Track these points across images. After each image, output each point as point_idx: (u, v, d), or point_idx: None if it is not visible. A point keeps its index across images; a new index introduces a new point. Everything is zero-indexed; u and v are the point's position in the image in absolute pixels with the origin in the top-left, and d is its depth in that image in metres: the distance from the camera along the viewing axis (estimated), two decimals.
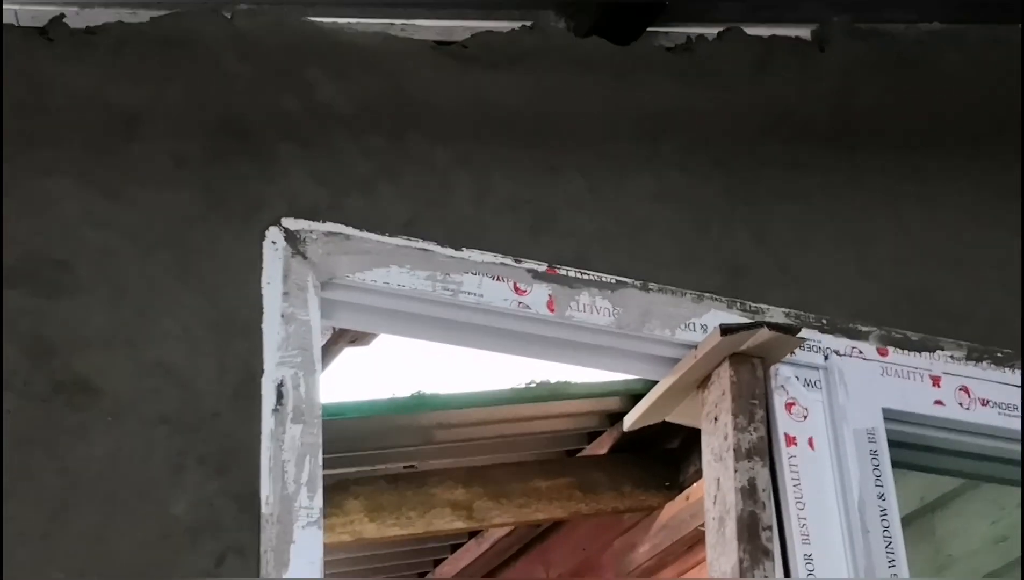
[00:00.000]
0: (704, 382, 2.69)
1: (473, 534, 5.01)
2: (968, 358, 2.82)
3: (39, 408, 2.20)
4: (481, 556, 5.04)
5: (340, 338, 3.52)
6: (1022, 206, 2.99)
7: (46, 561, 2.13)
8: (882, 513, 2.64)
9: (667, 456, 4.46)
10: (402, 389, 4.07)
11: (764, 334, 2.63)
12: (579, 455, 4.53)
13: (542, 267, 2.59)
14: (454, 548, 5.12)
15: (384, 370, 4.06)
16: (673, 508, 4.39)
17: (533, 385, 4.17)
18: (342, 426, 4.07)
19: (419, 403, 4.09)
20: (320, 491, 2.32)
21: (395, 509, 4.26)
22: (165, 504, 2.22)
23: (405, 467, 4.38)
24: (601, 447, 4.50)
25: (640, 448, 4.47)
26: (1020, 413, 2.78)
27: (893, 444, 2.72)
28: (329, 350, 3.56)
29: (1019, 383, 2.82)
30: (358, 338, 3.70)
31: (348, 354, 3.68)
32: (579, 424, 4.45)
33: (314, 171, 2.50)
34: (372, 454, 4.27)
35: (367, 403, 4.10)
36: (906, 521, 3.55)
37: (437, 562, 5.21)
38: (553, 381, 4.18)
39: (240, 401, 2.32)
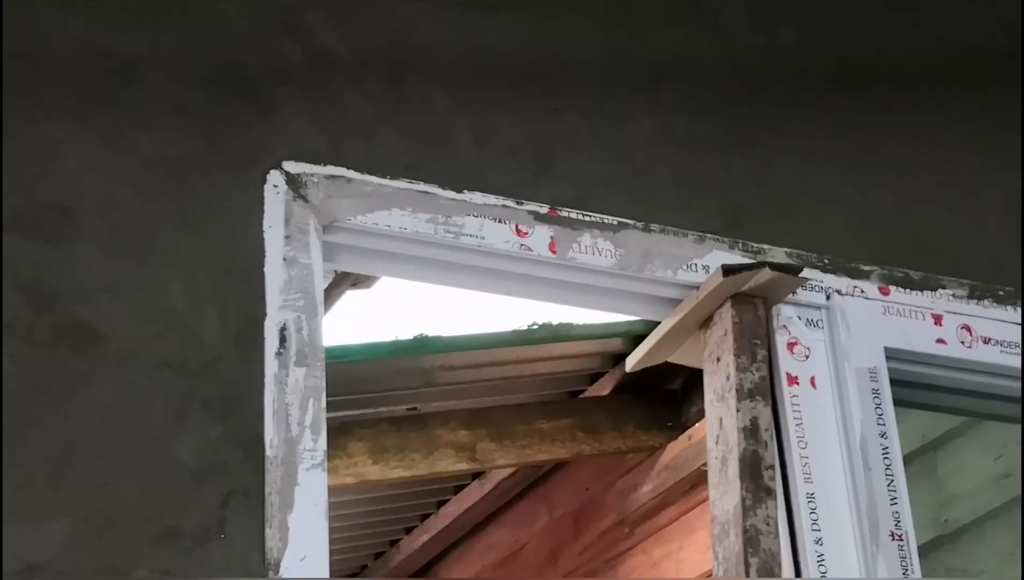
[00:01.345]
0: (706, 323, 2.70)
1: (476, 475, 5.04)
2: (970, 297, 2.82)
3: (42, 354, 2.21)
4: (484, 497, 5.07)
5: (342, 281, 3.53)
6: (1022, 145, 2.98)
7: (52, 506, 2.14)
8: (884, 451, 2.65)
9: (669, 396, 4.47)
10: (405, 331, 4.08)
11: (766, 274, 2.63)
12: (581, 396, 4.54)
13: (544, 209, 2.59)
14: (457, 490, 5.15)
15: (386, 313, 4.07)
16: (675, 448, 4.41)
17: (535, 327, 4.18)
18: (345, 369, 4.08)
19: (422, 345, 4.10)
20: (324, 434, 2.33)
21: (398, 451, 4.27)
22: (169, 449, 2.23)
23: (408, 410, 4.39)
24: (603, 388, 4.51)
25: (642, 389, 4.49)
26: (1021, 351, 2.79)
27: (895, 383, 2.72)
28: (331, 293, 3.57)
29: (1020, 321, 2.83)
30: (360, 281, 3.70)
31: (350, 297, 3.68)
32: (581, 365, 4.46)
33: (314, 116, 2.49)
34: (375, 397, 4.28)
35: (370, 346, 4.11)
36: (908, 459, 3.56)
37: (441, 503, 5.24)
38: (555, 322, 4.19)
39: (243, 345, 2.32)
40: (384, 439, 4.28)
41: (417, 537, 5.35)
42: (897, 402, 2.72)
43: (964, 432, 3.65)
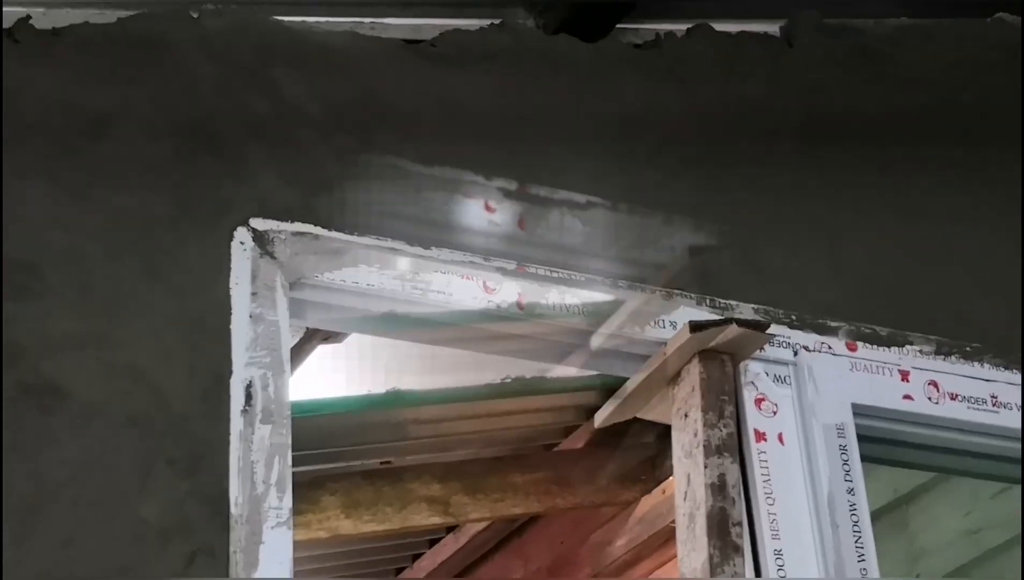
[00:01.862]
0: (674, 379, 2.70)
1: (451, 529, 5.02)
2: (937, 352, 2.84)
3: (7, 411, 2.20)
4: (459, 551, 5.04)
5: (313, 336, 3.52)
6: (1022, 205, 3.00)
7: (16, 564, 2.13)
8: (852, 507, 2.65)
9: (644, 450, 4.46)
10: (377, 385, 4.06)
11: (733, 330, 2.64)
12: (556, 450, 4.54)
13: (511, 265, 2.60)
14: (432, 543, 5.12)
15: (358, 367, 4.06)
16: (649, 502, 4.39)
17: (509, 380, 4.17)
18: (317, 423, 4.06)
19: (394, 399, 4.08)
20: (289, 491, 2.33)
21: (371, 505, 4.25)
22: (135, 506, 2.22)
23: (381, 463, 4.37)
24: (578, 441, 4.50)
25: (617, 442, 4.48)
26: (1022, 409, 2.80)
27: (863, 439, 2.73)
28: (302, 348, 3.55)
29: (987, 378, 2.84)
30: (331, 336, 3.69)
31: (321, 351, 3.67)
32: (555, 419, 4.44)
33: (283, 172, 2.50)
34: (347, 450, 4.26)
35: (342, 400, 4.09)
36: (879, 514, 3.58)
37: (415, 557, 5.21)
38: (528, 376, 4.18)
39: (209, 402, 2.32)
40: (357, 493, 4.26)
41: None
42: (865, 458, 2.73)
43: (934, 487, 3.66)
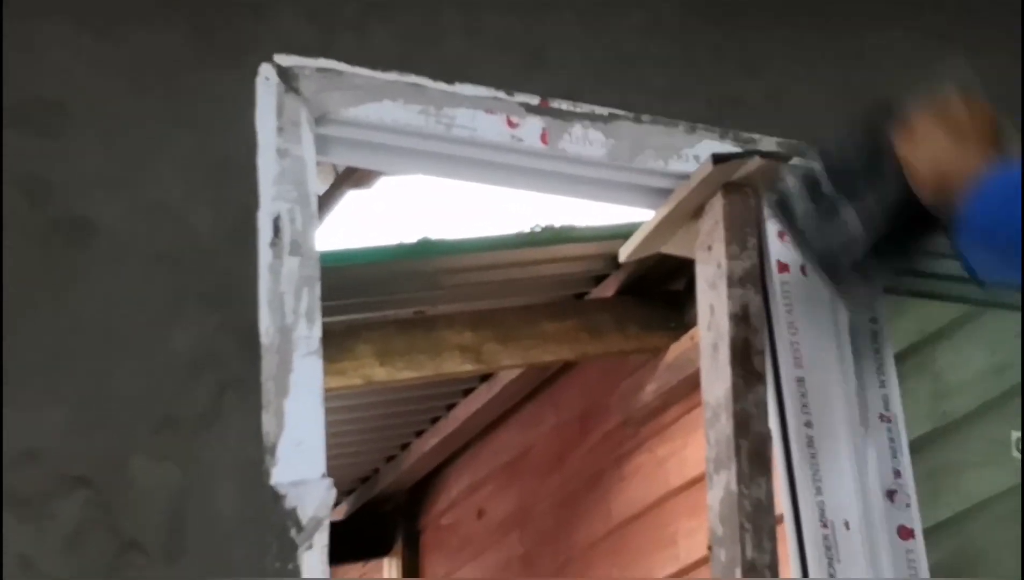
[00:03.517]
0: (698, 213, 2.72)
1: (484, 379, 5.09)
2: None
3: (39, 247, 2.25)
4: (492, 400, 5.12)
5: (343, 182, 3.56)
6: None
7: (50, 396, 2.19)
8: (873, 335, 2.68)
9: (672, 298, 4.51)
10: (408, 235, 4.11)
11: (755, 163, 2.65)
12: (585, 298, 4.58)
13: (535, 100, 2.61)
14: (466, 393, 5.20)
15: (388, 214, 4.10)
16: (678, 349, 4.44)
17: (538, 229, 4.21)
18: (350, 272, 4.12)
19: (425, 248, 4.13)
20: (319, 322, 2.37)
21: (405, 353, 4.31)
22: (165, 339, 2.27)
23: (415, 313, 4.43)
24: (607, 290, 4.55)
25: (646, 290, 4.52)
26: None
27: None
28: (332, 194, 3.61)
29: None
30: (360, 181, 3.74)
31: (351, 198, 3.72)
32: (585, 267, 4.49)
33: (304, 10, 2.51)
34: (381, 300, 4.32)
35: (374, 249, 4.14)
36: (906, 353, 3.60)
37: (450, 407, 5.29)
38: (558, 225, 4.22)
39: (237, 236, 2.36)
40: (391, 342, 4.32)
41: (427, 440, 5.41)
42: (886, 288, 2.75)
43: (961, 326, 3.66)
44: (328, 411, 5.02)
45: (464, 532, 5.48)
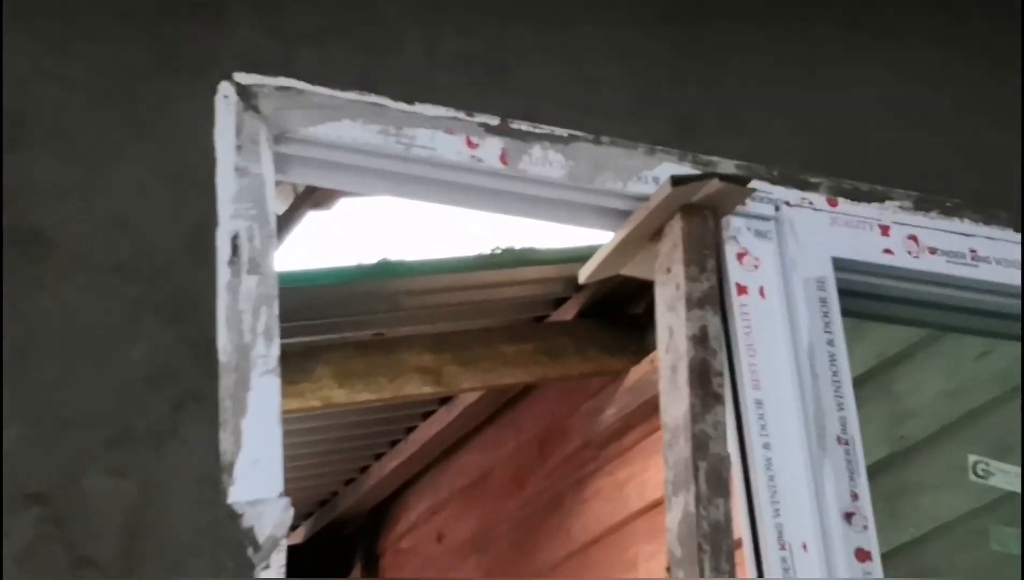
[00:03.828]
0: (657, 234, 2.73)
1: (444, 401, 5.08)
2: (916, 208, 2.86)
3: None
4: (452, 422, 5.12)
5: (303, 202, 3.56)
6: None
7: (9, 410, 2.17)
8: (831, 358, 2.69)
9: (632, 321, 4.51)
10: (368, 256, 4.11)
11: (715, 185, 2.66)
12: (545, 321, 4.59)
13: (495, 121, 2.62)
14: (426, 416, 5.19)
15: (348, 236, 4.09)
16: (638, 372, 4.45)
17: (498, 251, 4.21)
18: (309, 293, 4.11)
19: (385, 270, 4.13)
20: (277, 341, 2.36)
21: (364, 375, 4.31)
22: (123, 352, 2.26)
23: (374, 335, 4.42)
24: (567, 313, 4.55)
25: (606, 313, 4.53)
26: (1021, 268, 2.83)
27: (844, 293, 2.76)
28: (292, 215, 3.60)
29: (967, 232, 2.87)
30: (320, 201, 3.73)
31: (311, 218, 3.71)
32: (545, 290, 4.49)
33: (264, 26, 2.51)
34: (340, 321, 4.32)
35: (333, 270, 4.14)
36: (865, 378, 3.62)
37: (409, 429, 5.28)
38: (518, 247, 4.23)
39: (195, 252, 2.35)
40: (350, 363, 4.32)
41: (387, 463, 5.40)
42: (847, 312, 2.76)
43: (919, 351, 3.69)
44: (286, 433, 4.98)
45: (424, 556, 5.47)
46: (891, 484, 3.67)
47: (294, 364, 4.22)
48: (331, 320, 4.29)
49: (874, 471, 3.31)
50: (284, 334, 4.29)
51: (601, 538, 4.64)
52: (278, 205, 3.53)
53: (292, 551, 5.96)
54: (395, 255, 4.11)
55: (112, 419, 2.23)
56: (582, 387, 4.69)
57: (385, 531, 5.69)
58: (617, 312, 4.50)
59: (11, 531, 2.12)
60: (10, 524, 2.13)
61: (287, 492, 4.78)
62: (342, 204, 3.84)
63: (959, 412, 3.60)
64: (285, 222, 3.58)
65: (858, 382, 3.45)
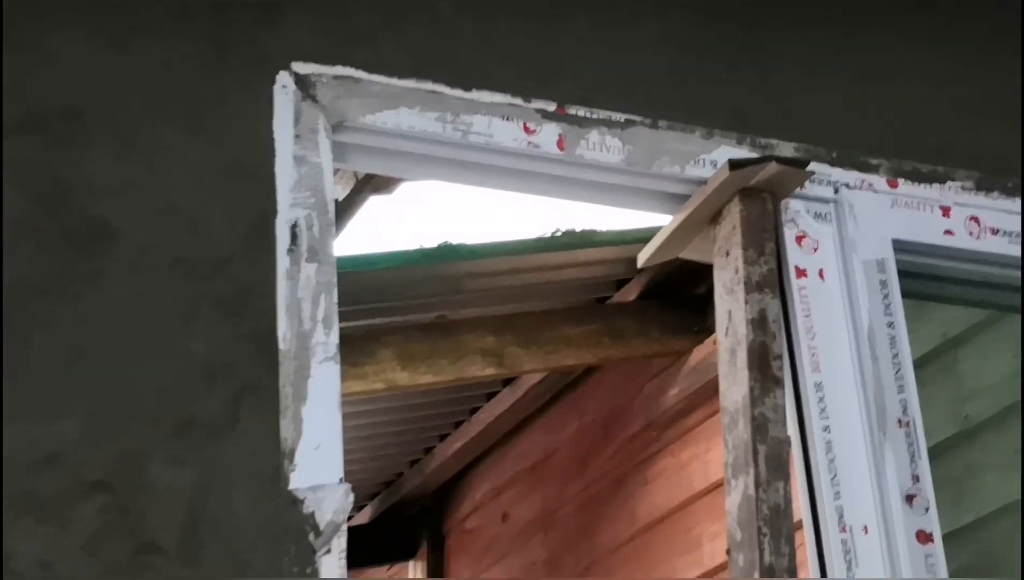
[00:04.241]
0: (715, 218, 2.73)
1: (507, 383, 5.09)
2: (978, 188, 2.85)
3: (53, 256, 2.26)
4: (515, 404, 5.13)
5: (364, 187, 3.57)
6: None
7: (69, 402, 2.20)
8: (891, 340, 2.68)
9: (694, 301, 4.50)
10: (429, 240, 4.12)
11: (773, 168, 2.66)
12: (607, 302, 4.58)
13: (551, 107, 2.62)
14: (489, 397, 5.21)
15: (409, 219, 4.11)
16: (701, 352, 4.44)
17: (559, 233, 4.21)
18: (372, 277, 4.13)
19: (447, 253, 4.14)
20: (336, 328, 2.38)
21: (427, 357, 4.32)
22: (181, 346, 2.29)
23: (437, 317, 4.44)
24: (629, 294, 4.55)
25: (668, 294, 4.52)
26: (1021, 239, 2.81)
27: (904, 274, 2.76)
28: (353, 200, 3.62)
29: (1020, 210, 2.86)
30: (382, 186, 3.74)
31: (372, 203, 3.73)
32: (607, 272, 4.49)
33: (318, 22, 2.52)
34: (402, 304, 4.33)
35: (396, 254, 4.15)
36: (929, 357, 3.61)
37: (473, 410, 5.30)
38: (579, 229, 4.23)
39: (254, 243, 2.37)
40: (412, 346, 4.33)
41: (451, 444, 5.42)
42: (907, 294, 2.75)
43: (983, 330, 3.67)
44: (350, 415, 5.04)
45: (488, 536, 5.48)
46: (956, 464, 3.66)
47: (357, 347, 4.24)
48: (394, 303, 4.31)
49: (939, 451, 3.31)
50: (347, 317, 4.32)
51: (664, 519, 4.64)
52: (339, 190, 3.56)
53: (358, 531, 6.03)
54: (456, 238, 4.12)
55: (174, 410, 2.25)
56: (645, 368, 4.70)
57: (450, 511, 5.71)
58: (679, 293, 4.50)
59: (77, 519, 2.15)
60: (76, 512, 2.16)
61: (351, 474, 4.82)
62: (403, 188, 3.85)
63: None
64: (346, 207, 3.60)
65: (922, 361, 3.45)
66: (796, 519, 2.54)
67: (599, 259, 4.39)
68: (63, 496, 2.16)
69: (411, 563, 5.76)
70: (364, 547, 5.82)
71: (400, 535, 5.76)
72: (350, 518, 6.09)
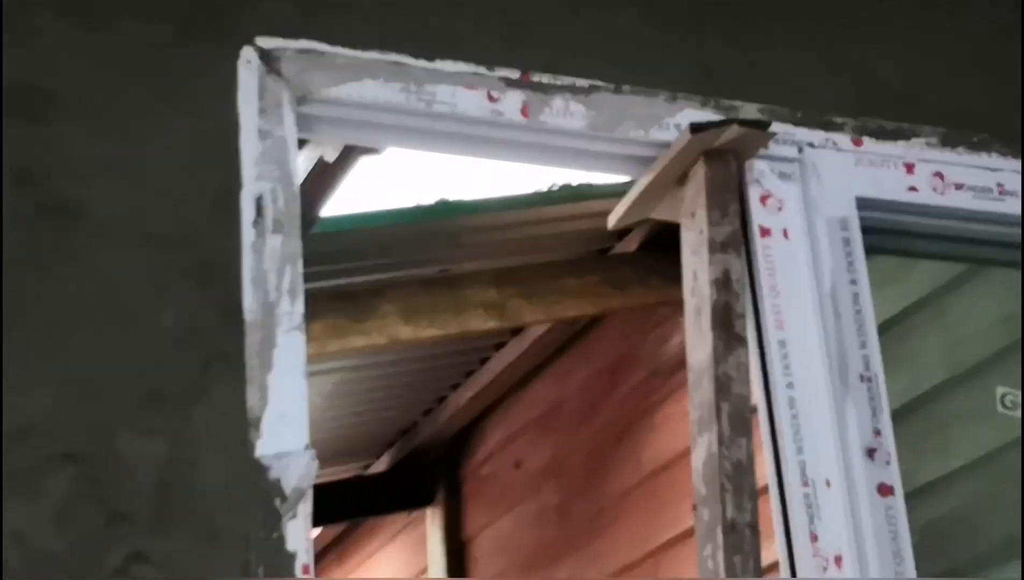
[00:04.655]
0: (682, 179, 2.77)
1: (515, 333, 5.16)
2: (943, 144, 2.88)
3: (28, 232, 2.33)
4: (524, 354, 5.20)
5: (352, 150, 3.62)
6: None
7: (41, 375, 2.28)
8: (854, 297, 2.73)
9: None
10: (424, 198, 4.18)
11: (734, 131, 2.70)
12: (609, 253, 4.64)
13: (515, 74, 2.66)
14: (498, 347, 5.28)
15: (403, 179, 4.16)
16: None
17: (555, 188, 4.26)
18: (372, 233, 4.20)
19: (444, 209, 4.20)
20: (301, 298, 2.44)
21: (429, 312, 4.38)
22: (152, 316, 2.35)
23: (440, 271, 4.50)
24: (630, 245, 4.60)
25: (669, 244, 4.55)
26: (1021, 199, 2.85)
27: (871, 231, 2.80)
28: (343, 163, 3.66)
29: (993, 167, 2.89)
30: (370, 148, 3.78)
31: (364, 163, 3.77)
32: (606, 223, 4.53)
33: None
34: (404, 260, 4.40)
35: (395, 211, 4.22)
36: (916, 306, 3.64)
37: (483, 361, 5.37)
38: (575, 184, 4.28)
39: (220, 215, 2.43)
40: (415, 300, 4.39)
41: (462, 394, 5.50)
42: (873, 249, 2.79)
43: (970, 278, 3.70)
44: (363, 367, 5.12)
45: (502, 482, 5.57)
46: (947, 408, 3.69)
47: (360, 302, 4.31)
48: (395, 259, 4.37)
49: (929, 397, 3.35)
50: (349, 274, 4.39)
51: (670, 464, 4.71)
52: (330, 152, 3.62)
53: (376, 480, 6.10)
54: (451, 196, 4.18)
55: (143, 381, 2.32)
56: (649, 317, 4.75)
57: (465, 459, 5.79)
58: (680, 242, 4.53)
59: (48, 490, 2.23)
60: (47, 483, 2.23)
61: (367, 424, 4.94)
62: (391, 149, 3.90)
63: (1010, 339, 3.61)
64: (339, 168, 3.66)
65: (911, 309, 3.49)
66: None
67: (599, 211, 4.41)
68: (35, 468, 2.23)
69: (429, 510, 5.85)
70: (383, 495, 5.92)
71: (418, 483, 5.85)
72: (368, 466, 6.19)
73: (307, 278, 4.44)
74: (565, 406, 5.23)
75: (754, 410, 2.63)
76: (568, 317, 4.65)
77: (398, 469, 5.89)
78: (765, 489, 2.60)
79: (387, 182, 4.08)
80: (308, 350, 4.45)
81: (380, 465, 5.95)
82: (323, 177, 3.70)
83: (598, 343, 5.05)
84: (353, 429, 5.56)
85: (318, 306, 4.24)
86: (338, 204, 3.90)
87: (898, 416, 2.79)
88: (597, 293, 4.53)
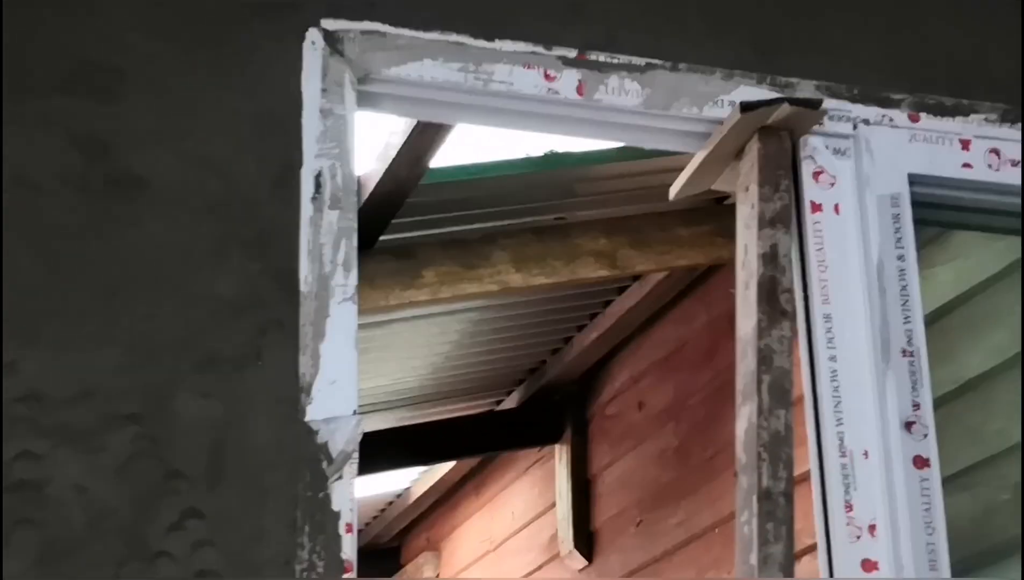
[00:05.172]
0: (740, 153, 2.85)
1: (636, 278, 5.26)
2: (1002, 120, 2.91)
3: (94, 202, 2.49)
4: (645, 298, 5.30)
5: None
6: None
7: (103, 338, 2.45)
8: (900, 273, 2.79)
9: None
10: (534, 150, 4.29)
11: (785, 109, 2.76)
12: (724, 203, 4.70)
13: (572, 53, 2.76)
14: (620, 290, 5.38)
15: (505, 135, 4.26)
16: None
17: None
18: (485, 184, 4.32)
19: (552, 161, 4.31)
20: (355, 271, 2.57)
21: (540, 259, 4.50)
22: (210, 284, 2.51)
23: (556, 219, 4.61)
24: None
25: None
26: (1021, 166, 2.88)
27: (924, 205, 2.85)
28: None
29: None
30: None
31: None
32: None
33: None
34: (517, 208, 4.51)
35: (507, 161, 4.33)
36: (996, 278, 3.62)
37: (607, 303, 5.48)
38: None
39: (280, 190, 2.57)
40: (527, 249, 4.51)
41: (588, 335, 5.61)
42: (925, 222, 2.85)
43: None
44: (491, 308, 5.24)
45: (626, 422, 5.69)
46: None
47: (472, 250, 4.45)
48: (508, 208, 4.49)
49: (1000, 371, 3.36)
50: (461, 221, 4.51)
51: None
52: None
53: (506, 416, 6.25)
54: (560, 147, 4.28)
55: (200, 345, 2.48)
56: None
57: (592, 398, 5.92)
58: None
59: (110, 447, 2.41)
60: (109, 441, 2.41)
61: (497, 362, 5.06)
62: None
63: None
64: (436, 130, 3.79)
65: (993, 280, 3.47)
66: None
67: None
68: (98, 427, 2.41)
69: (557, 446, 5.99)
70: (513, 431, 6.07)
71: (546, 420, 5.99)
72: (500, 402, 6.33)
73: (419, 226, 4.60)
74: (686, 349, 5.32)
75: None
76: (679, 266, 4.73)
77: (528, 406, 6.04)
78: None
79: (490, 138, 4.19)
80: (423, 296, 4.60)
81: (510, 402, 6.10)
82: (427, 132, 3.83)
83: (718, 288, 5.11)
84: (483, 367, 5.72)
85: (431, 254, 4.39)
86: (443, 158, 4.04)
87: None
88: (708, 243, 4.61)
